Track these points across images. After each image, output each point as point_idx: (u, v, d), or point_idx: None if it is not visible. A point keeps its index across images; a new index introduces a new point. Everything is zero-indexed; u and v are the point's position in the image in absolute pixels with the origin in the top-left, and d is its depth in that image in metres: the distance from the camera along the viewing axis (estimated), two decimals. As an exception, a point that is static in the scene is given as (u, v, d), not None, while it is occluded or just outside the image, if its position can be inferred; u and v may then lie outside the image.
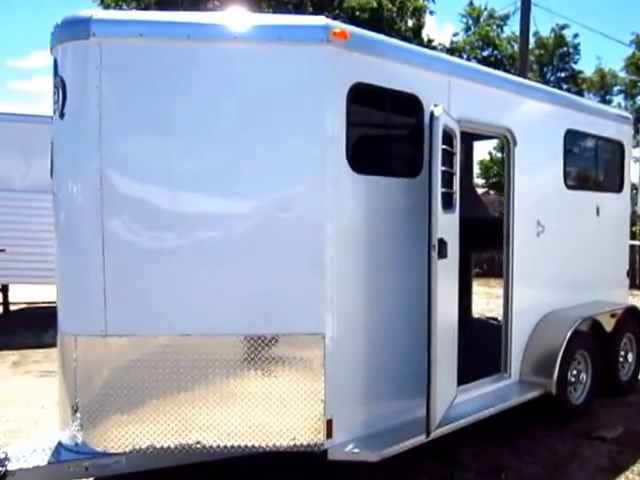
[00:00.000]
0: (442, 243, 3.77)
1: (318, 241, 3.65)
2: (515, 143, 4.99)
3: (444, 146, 3.85)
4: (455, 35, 27.20)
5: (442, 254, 3.76)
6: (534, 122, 5.23)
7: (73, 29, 3.56)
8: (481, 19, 26.48)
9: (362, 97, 3.87)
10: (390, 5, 20.27)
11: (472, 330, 6.49)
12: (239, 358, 3.58)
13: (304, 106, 3.64)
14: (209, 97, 3.57)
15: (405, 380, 3.96)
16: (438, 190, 3.73)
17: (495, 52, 25.46)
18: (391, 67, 3.99)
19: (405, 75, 4.09)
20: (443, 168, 3.85)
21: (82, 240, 3.55)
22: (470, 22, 26.73)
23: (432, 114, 3.75)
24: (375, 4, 20.11)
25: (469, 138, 7.38)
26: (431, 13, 22.91)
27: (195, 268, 3.56)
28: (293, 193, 3.66)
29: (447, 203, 4.14)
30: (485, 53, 25.47)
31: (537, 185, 5.29)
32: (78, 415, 3.56)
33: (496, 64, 25.12)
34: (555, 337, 5.20)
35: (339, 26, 3.72)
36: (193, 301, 3.56)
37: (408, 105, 4.10)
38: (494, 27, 25.97)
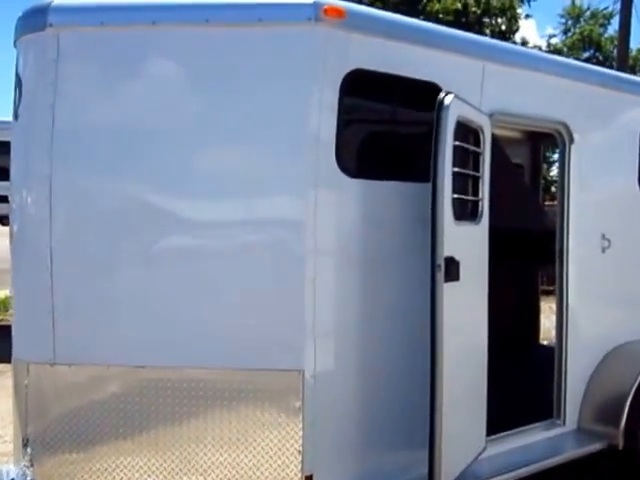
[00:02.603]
0: (451, 262, 3.04)
1: (296, 258, 3.04)
2: (572, 140, 4.12)
3: (458, 142, 3.13)
4: (552, 37, 25.65)
5: (451, 276, 3.03)
6: (597, 114, 4.31)
7: (31, 20, 3.21)
8: (581, 19, 24.73)
9: (364, 86, 3.25)
10: (475, 7, 19.31)
11: (533, 361, 5.58)
12: (201, 395, 3.03)
13: (285, 97, 3.07)
14: (177, 91, 3.11)
15: (408, 428, 3.23)
16: (445, 196, 3.01)
17: (597, 53, 23.64)
18: (403, 50, 3.31)
19: (422, 60, 3.40)
20: (456, 169, 3.13)
21: (31, 255, 3.16)
22: (569, 23, 25.04)
23: (440, 103, 3.04)
24: (460, 6, 19.25)
25: (535, 139, 6.48)
26: (527, 17, 21.86)
27: (151, 291, 3.08)
28: (268, 200, 3.09)
29: (469, 213, 3.42)
30: (586, 54, 23.72)
31: (602, 191, 4.37)
32: (28, 450, 3.17)
33: (598, 66, 23.33)
34: (624, 376, 4.23)
35: (332, 2, 3.11)
36: (148, 328, 3.07)
37: (426, 96, 3.38)
38: (597, 27, 24.18)
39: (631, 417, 4.11)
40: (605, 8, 23.17)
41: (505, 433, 3.87)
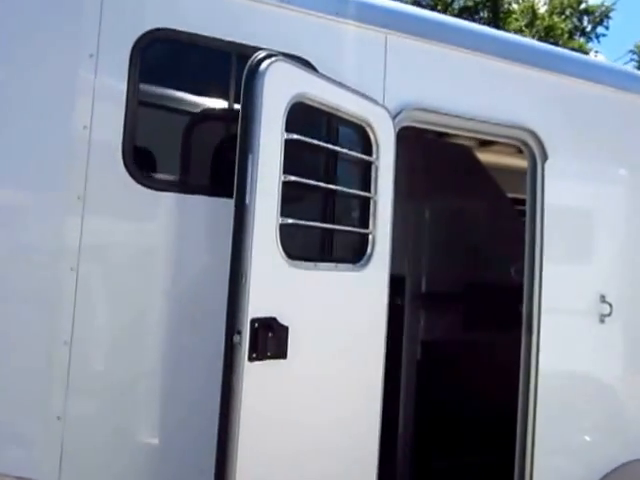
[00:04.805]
0: (267, 327, 1.83)
1: (41, 304, 1.98)
2: (545, 156, 2.84)
3: (301, 137, 1.97)
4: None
5: (262, 350, 1.82)
6: (586, 120, 3.00)
7: None
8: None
9: (174, 58, 2.20)
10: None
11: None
12: None
13: (38, 67, 2.07)
14: None
15: None
16: (255, 219, 1.84)
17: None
18: (243, 7, 2.25)
19: (281, 24, 2.32)
20: (293, 178, 1.97)
21: None
22: (640, 59, 23.11)
23: (251, 68, 1.90)
24: (522, 42, 18.20)
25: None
26: (596, 53, 20.52)
27: None
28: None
29: (353, 254, 2.25)
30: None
31: (596, 233, 3.04)
32: None
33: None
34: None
35: None
36: None
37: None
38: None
39: None
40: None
41: None
